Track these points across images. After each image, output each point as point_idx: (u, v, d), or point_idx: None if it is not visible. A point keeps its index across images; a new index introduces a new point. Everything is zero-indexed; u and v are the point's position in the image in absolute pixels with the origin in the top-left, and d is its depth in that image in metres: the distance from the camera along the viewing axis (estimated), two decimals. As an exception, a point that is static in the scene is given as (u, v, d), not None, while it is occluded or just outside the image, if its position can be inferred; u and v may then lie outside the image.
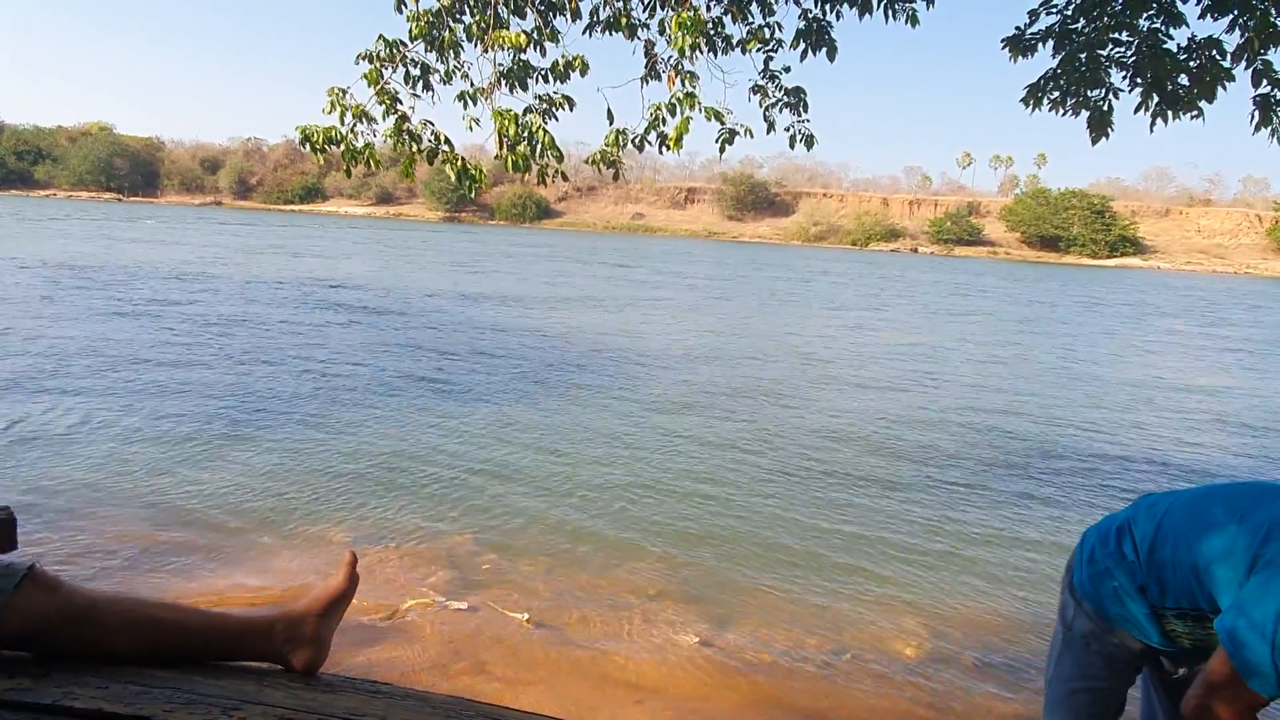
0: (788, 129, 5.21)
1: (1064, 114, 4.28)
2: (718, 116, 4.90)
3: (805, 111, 4.91)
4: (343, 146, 5.02)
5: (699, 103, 4.93)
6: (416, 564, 4.65)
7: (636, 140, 5.28)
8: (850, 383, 11.29)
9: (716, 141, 5.17)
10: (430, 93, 5.27)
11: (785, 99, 5.12)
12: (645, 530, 5.43)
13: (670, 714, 3.25)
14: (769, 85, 5.17)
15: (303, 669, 1.51)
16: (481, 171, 5.48)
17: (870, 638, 4.19)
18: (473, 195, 5.25)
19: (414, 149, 5.22)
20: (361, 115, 5.03)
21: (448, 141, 5.23)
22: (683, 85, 5.02)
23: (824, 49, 4.61)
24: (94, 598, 1.40)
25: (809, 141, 5.19)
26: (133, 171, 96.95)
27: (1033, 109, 4.34)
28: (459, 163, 5.25)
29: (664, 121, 5.17)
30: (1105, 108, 4.11)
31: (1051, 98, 4.26)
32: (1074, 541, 2.03)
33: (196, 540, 4.84)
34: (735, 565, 4.96)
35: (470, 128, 5.29)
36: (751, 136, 5.15)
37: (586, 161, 5.43)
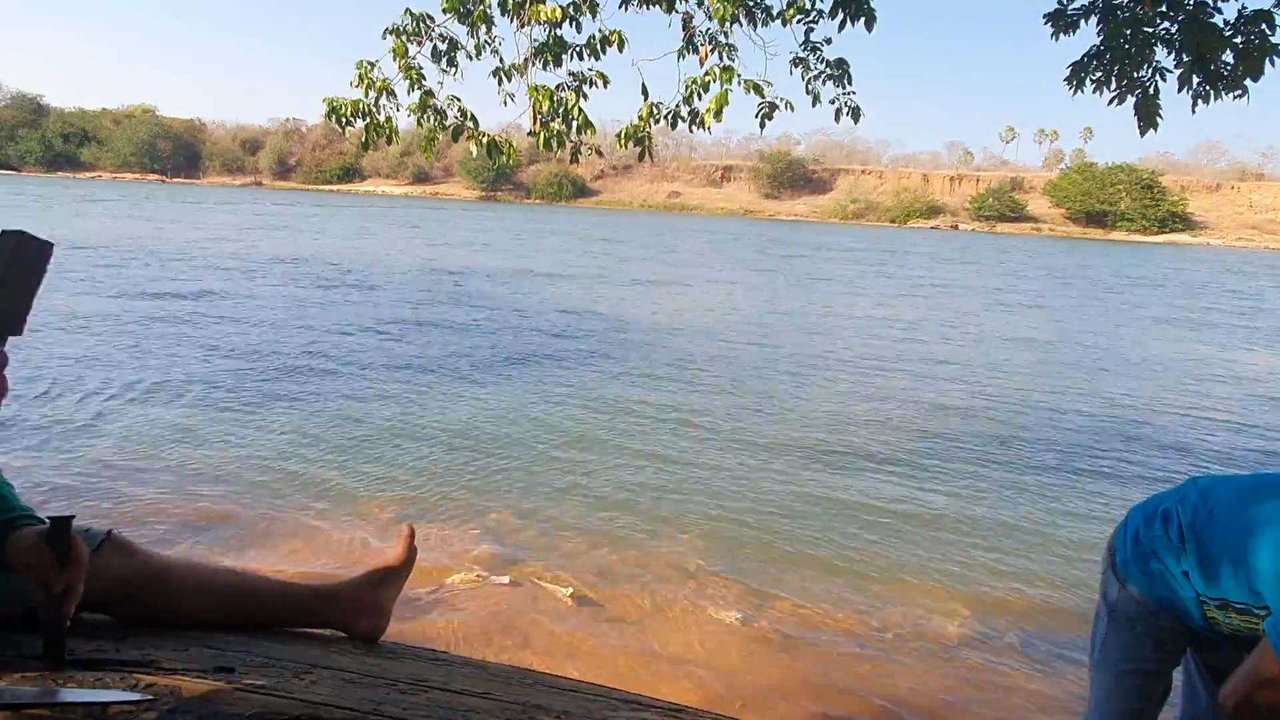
0: (832, 101, 5.10)
1: (1111, 101, 4.09)
2: (757, 90, 4.81)
3: (849, 84, 4.80)
4: (367, 120, 5.04)
5: (738, 76, 4.84)
6: (460, 539, 4.70)
7: (670, 116, 5.22)
8: (892, 364, 11.17)
9: (756, 116, 5.08)
10: (456, 69, 5.25)
11: (828, 71, 5.00)
12: (686, 507, 5.43)
13: (714, 688, 3.25)
14: (810, 57, 5.05)
15: (365, 636, 1.54)
16: (511, 145, 5.45)
17: (912, 617, 4.16)
18: (509, 161, 5.22)
19: (438, 125, 5.22)
20: (386, 90, 5.04)
21: (473, 118, 5.21)
22: (720, 58, 4.93)
23: (862, 18, 4.49)
24: (169, 563, 1.43)
25: (855, 114, 5.08)
26: (175, 153, 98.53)
27: (1075, 90, 4.15)
28: (484, 138, 5.24)
29: (699, 96, 5.10)
30: (1151, 90, 3.94)
31: (1095, 77, 4.07)
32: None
33: (243, 513, 4.94)
34: (776, 543, 4.95)
35: (505, 103, 5.23)
36: (793, 110, 5.06)
37: (618, 137, 5.37)
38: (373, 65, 5.05)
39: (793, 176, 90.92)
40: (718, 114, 4.96)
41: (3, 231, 1.11)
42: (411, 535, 1.64)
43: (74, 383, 7.71)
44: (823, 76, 4.98)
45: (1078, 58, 4.07)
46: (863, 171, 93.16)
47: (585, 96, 5.30)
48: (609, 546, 4.77)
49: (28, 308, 1.13)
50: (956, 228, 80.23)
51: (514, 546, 4.66)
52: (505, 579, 4.20)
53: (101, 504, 4.79)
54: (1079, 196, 77.37)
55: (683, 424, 7.43)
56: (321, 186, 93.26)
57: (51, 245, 1.15)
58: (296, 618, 1.53)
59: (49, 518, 1.25)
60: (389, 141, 5.30)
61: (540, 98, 5.00)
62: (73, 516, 1.24)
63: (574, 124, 5.25)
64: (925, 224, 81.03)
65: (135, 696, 1.10)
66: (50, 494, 4.89)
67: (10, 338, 1.12)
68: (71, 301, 12.43)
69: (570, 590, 4.10)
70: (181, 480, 5.40)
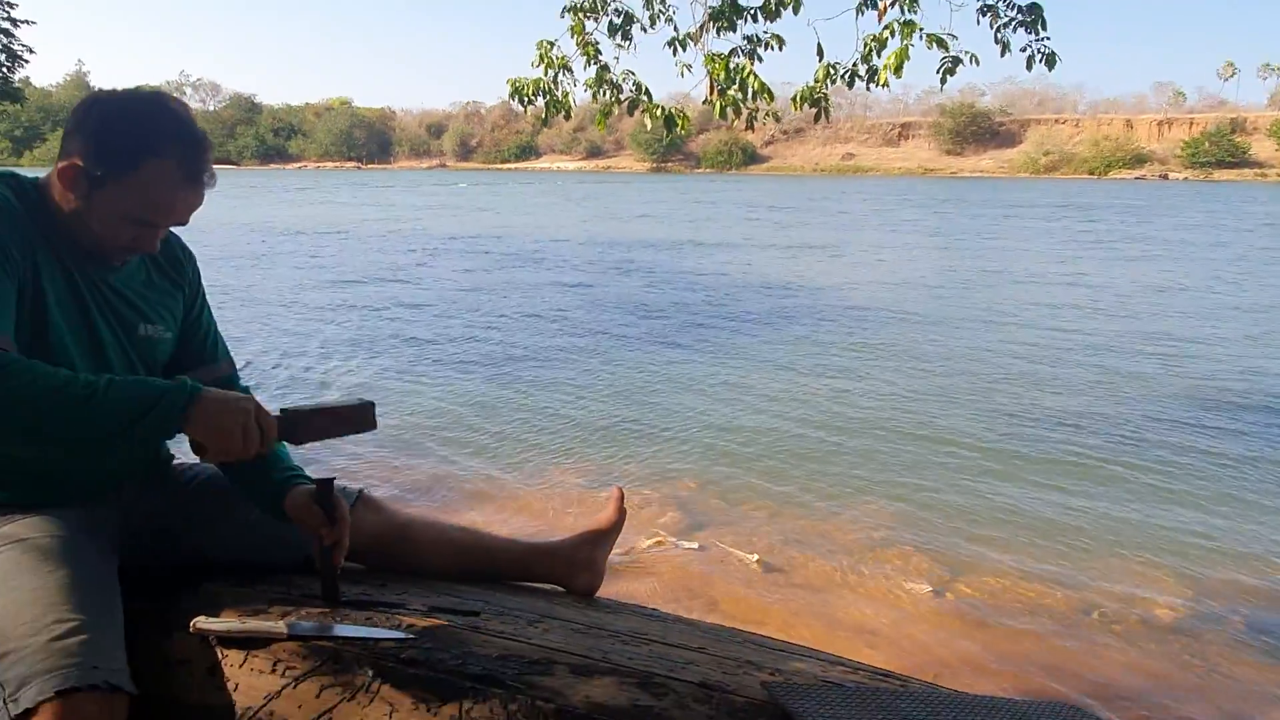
0: (1023, 49, 4.79)
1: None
2: (940, 43, 4.57)
3: (1043, 29, 4.49)
4: (548, 98, 5.21)
5: (919, 29, 4.64)
6: (647, 505, 4.85)
7: (846, 76, 5.08)
8: (1080, 326, 10.39)
9: (938, 72, 4.85)
10: (630, 42, 5.32)
11: (1019, 17, 4.69)
12: (870, 477, 5.33)
13: (903, 659, 3.22)
14: (999, 4, 4.75)
15: (582, 591, 1.67)
16: (686, 117, 5.48)
17: (1120, 596, 3.92)
18: (683, 132, 5.26)
19: (614, 99, 5.32)
20: (564, 67, 5.19)
21: (647, 91, 5.28)
22: (901, 12, 4.73)
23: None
24: (411, 519, 1.62)
25: (1050, 61, 4.76)
26: (369, 141, 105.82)
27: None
28: (659, 110, 5.30)
29: (877, 54, 4.92)
30: None
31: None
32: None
33: (445, 477, 5.31)
34: (967, 514, 4.78)
35: (682, 74, 5.26)
36: (978, 64, 4.80)
37: (792, 100, 5.27)
38: (552, 44, 5.22)
39: (977, 130, 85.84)
40: (897, 70, 4.77)
41: (360, 398, 1.37)
42: (622, 498, 1.74)
43: (295, 355, 8.53)
44: (1013, 23, 4.68)
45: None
46: (1057, 120, 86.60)
47: (760, 59, 5.23)
48: (793, 514, 4.77)
49: (317, 439, 1.34)
50: (1166, 177, 73.16)
51: (699, 513, 4.76)
52: (692, 544, 4.30)
53: (317, 469, 5.30)
54: (1315, 136, 68.52)
55: (858, 393, 7.27)
56: (500, 165, 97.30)
57: (375, 427, 1.38)
58: (520, 572, 1.68)
59: (315, 480, 1.43)
60: (566, 117, 5.48)
61: (717, 66, 5.00)
62: (334, 479, 1.42)
63: (750, 90, 5.20)
64: (1129, 174, 74.42)
65: (400, 635, 1.25)
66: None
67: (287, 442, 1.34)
68: (284, 281, 13.69)
69: (756, 557, 4.15)
70: (384, 446, 5.86)
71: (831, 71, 4.79)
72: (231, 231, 22.48)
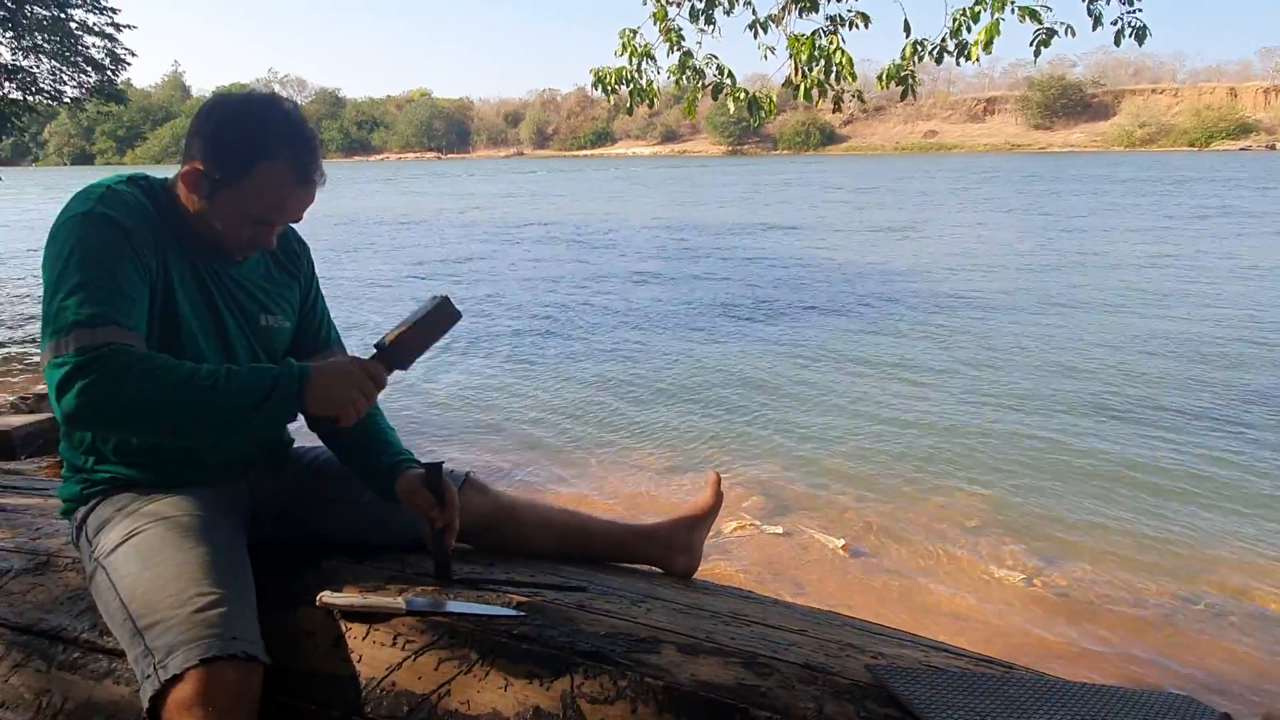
0: (1114, 23, 4.61)
1: None
2: (1033, 16, 4.43)
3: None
4: (631, 86, 5.22)
5: (1011, 2, 4.50)
6: (731, 489, 4.84)
7: (935, 52, 4.95)
8: (1176, 310, 9.91)
9: (1031, 44, 4.71)
10: (713, 26, 5.29)
11: (1113, -12, 4.50)
12: (958, 461, 5.23)
13: (998, 647, 3.16)
14: (1093, -26, 4.58)
15: (680, 573, 1.70)
16: (772, 100, 5.43)
17: (1229, 587, 3.76)
18: (768, 115, 5.21)
19: (698, 85, 5.30)
20: (646, 54, 5.19)
21: (730, 75, 5.23)
22: (993, -16, 4.59)
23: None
24: (515, 501, 1.67)
25: (1140, 35, 4.57)
26: (448, 131, 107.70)
27: None
28: (743, 94, 5.26)
29: (968, 28, 4.79)
30: None
31: None
32: None
33: (533, 461, 5.42)
34: (1063, 502, 4.64)
35: (765, 56, 5.21)
36: (1073, 35, 4.64)
37: (878, 79, 5.17)
38: (634, 32, 5.22)
39: (1068, 103, 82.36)
40: (987, 45, 4.65)
41: (432, 296, 1.38)
42: (719, 482, 1.76)
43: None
44: (1107, -6, 4.51)
45: None
46: (1154, 90, 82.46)
47: (842, 39, 5.14)
48: (880, 500, 4.71)
49: (421, 354, 1.38)
50: (1274, 147, 68.97)
51: (782, 497, 4.75)
52: (777, 528, 4.30)
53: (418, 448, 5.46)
54: None
55: (941, 378, 7.10)
56: (576, 152, 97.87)
57: (460, 315, 1.40)
58: (620, 553, 1.71)
59: (424, 464, 1.49)
60: (650, 105, 5.48)
61: (800, 47, 4.94)
62: (442, 463, 1.47)
63: (834, 71, 5.12)
64: (1233, 145, 70.38)
65: (512, 612, 1.30)
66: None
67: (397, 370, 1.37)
68: (369, 268, 14.09)
69: (842, 541, 4.12)
70: (469, 431, 6.01)
71: (919, 48, 4.68)
72: (316, 225, 23.24)
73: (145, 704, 1.15)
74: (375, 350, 1.37)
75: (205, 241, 1.43)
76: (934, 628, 3.39)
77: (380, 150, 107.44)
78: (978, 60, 4.73)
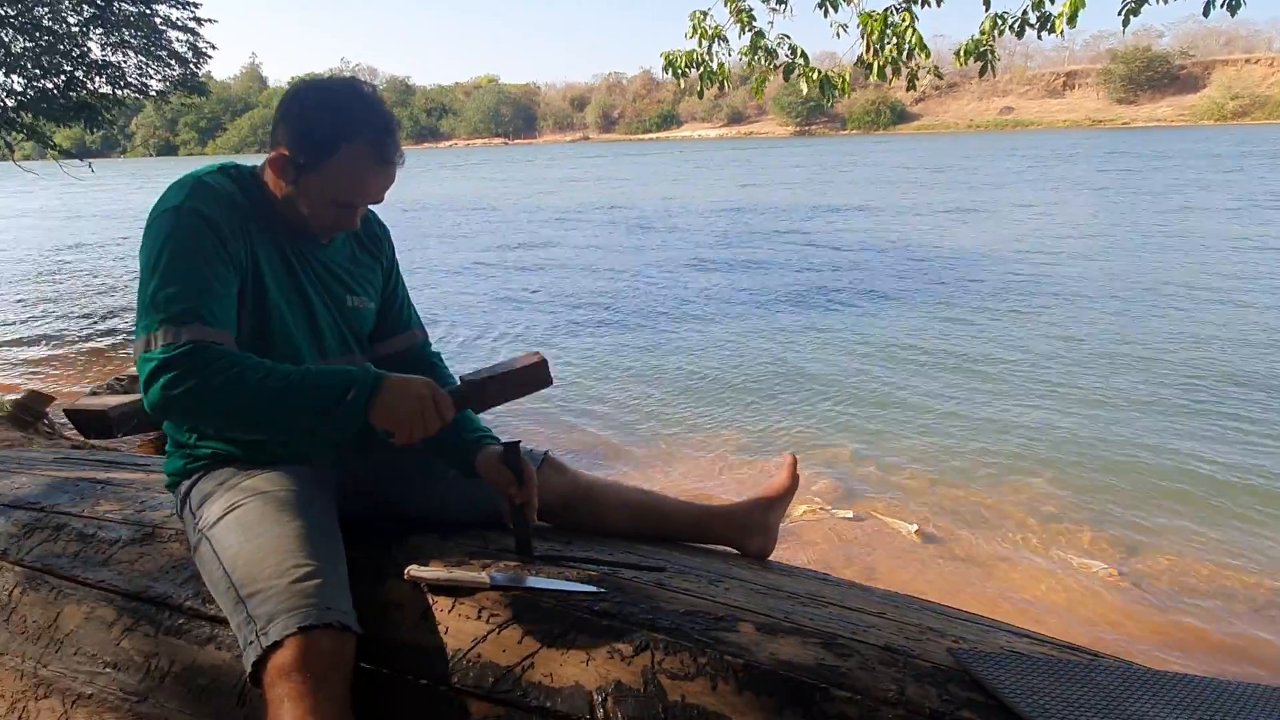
0: (1204, -7, 4.41)
1: None
2: (1122, -17, 4.27)
3: (1230, -34, 4.11)
4: (701, 69, 5.18)
5: (1097, -30, 4.33)
6: (800, 471, 4.80)
7: (1016, 25, 4.80)
8: (1267, 295, 9.45)
9: (1120, 14, 4.54)
10: (785, 6, 5.21)
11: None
12: (1035, 447, 5.10)
13: (1079, 636, 3.09)
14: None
15: (755, 554, 1.71)
16: (845, 79, 5.33)
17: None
18: (841, 94, 5.12)
19: (768, 65, 5.23)
20: (718, 36, 5.14)
21: (804, 55, 5.15)
22: (1078, -47, 4.43)
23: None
24: (592, 480, 1.69)
25: (1233, 5, 4.36)
26: (515, 117, 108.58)
27: None
28: (816, 74, 5.16)
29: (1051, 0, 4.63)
30: None
31: None
32: None
33: (605, 443, 5.47)
34: (1146, 491, 4.49)
35: (837, 34, 5.11)
36: (1165, 2, 4.45)
37: (955, 55, 5.03)
38: (704, 14, 5.18)
39: (1153, 75, 78.83)
40: (1071, 18, 4.48)
41: (532, 352, 1.44)
42: (795, 464, 1.76)
43: (461, 323, 8.96)
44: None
45: None
46: (1247, 61, 78.30)
47: (917, 17, 5.02)
48: (953, 485, 4.63)
49: (498, 404, 1.43)
50: (1380, 118, 65.04)
51: (854, 481, 4.70)
52: (847, 513, 4.27)
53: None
54: None
55: (1018, 363, 6.91)
56: (642, 136, 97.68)
57: (550, 381, 1.45)
58: (695, 534, 1.72)
59: (503, 443, 1.52)
60: (721, 88, 5.44)
61: (873, 25, 4.83)
62: (520, 442, 1.50)
63: (907, 48, 5.00)
64: (1334, 117, 66.61)
65: (592, 588, 1.32)
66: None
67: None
68: (442, 254, 14.33)
69: (915, 527, 4.07)
70: (538, 413, 6.07)
71: (999, 22, 4.54)
72: (386, 212, 23.47)
73: (248, 668, 1.21)
74: (459, 383, 1.41)
75: (293, 225, 1.48)
76: (1010, 616, 3.32)
77: (448, 137, 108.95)
78: (1061, 33, 4.57)
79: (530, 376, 1.42)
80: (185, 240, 1.34)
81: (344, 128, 1.39)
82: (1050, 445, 5.16)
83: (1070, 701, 1.11)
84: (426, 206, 24.62)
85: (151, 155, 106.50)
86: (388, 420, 1.32)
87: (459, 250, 15.27)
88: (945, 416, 5.71)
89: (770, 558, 1.76)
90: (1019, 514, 4.28)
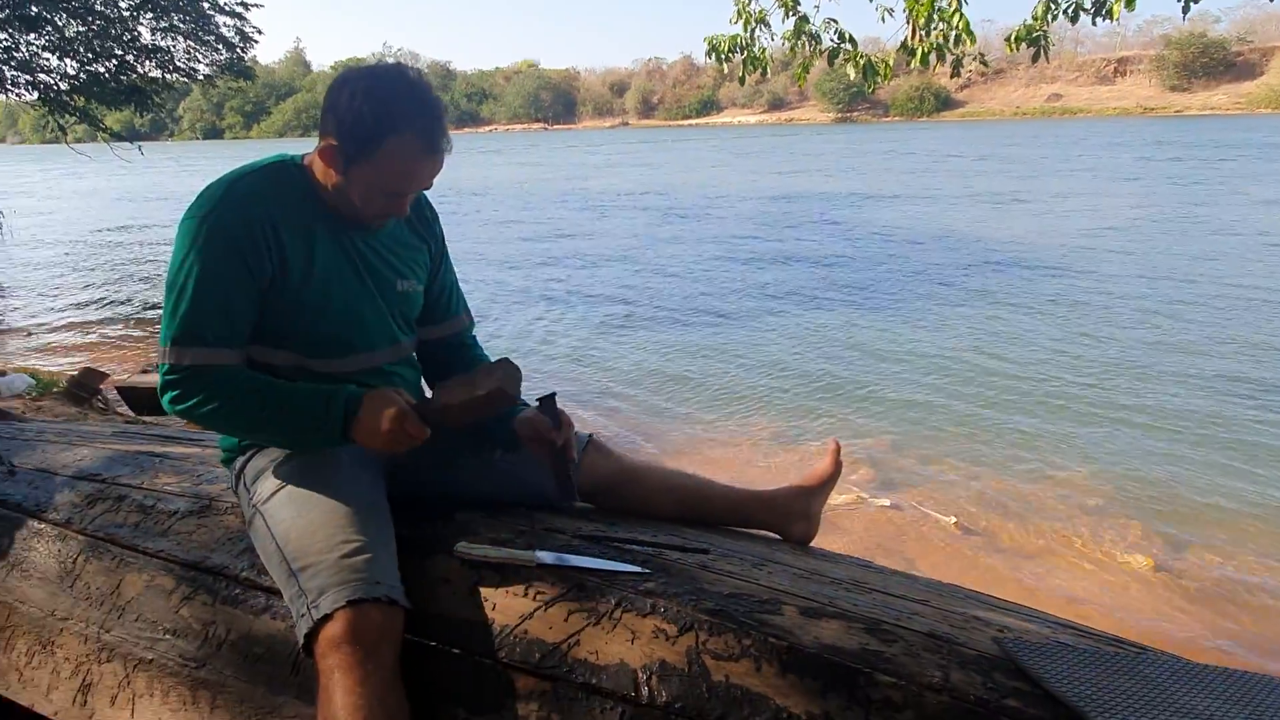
0: (1268, -26, 4.27)
1: None
2: (1182, -33, 4.16)
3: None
4: (745, 54, 5.14)
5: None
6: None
7: (1071, 10, 4.70)
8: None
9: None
10: (830, -12, 5.15)
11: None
12: (1079, 443, 5.02)
13: (1122, 630, 3.05)
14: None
15: (797, 540, 1.71)
16: (888, 65, 5.26)
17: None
18: (884, 80, 5.06)
19: (812, 50, 5.17)
20: (761, 21, 5.09)
21: (850, 39, 5.09)
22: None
23: None
24: (636, 464, 1.71)
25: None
26: (555, 102, 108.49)
27: None
28: (861, 59, 5.10)
29: (1107, -17, 4.52)
30: None
31: None
32: None
33: (644, 428, 5.49)
34: (1195, 487, 4.40)
35: (883, 18, 5.05)
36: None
37: (1006, 40, 4.94)
38: (749, -1, 5.13)
39: (1208, 62, 76.45)
40: (1130, 2, 4.38)
41: (502, 360, 1.45)
42: (838, 450, 1.75)
43: (505, 311, 9.04)
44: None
45: None
46: (1309, 46, 75.68)
47: (965, 1, 4.93)
48: (994, 477, 4.59)
49: (467, 422, 1.45)
50: None
51: (892, 470, 4.67)
52: (885, 501, 4.25)
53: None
54: None
55: (1060, 354, 6.80)
56: (681, 121, 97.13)
57: (517, 400, 1.49)
58: (738, 519, 1.73)
59: (538, 398, 1.55)
60: (763, 73, 5.40)
61: (920, 9, 4.76)
62: (554, 393, 1.53)
63: (954, 33, 4.92)
64: (1400, 105, 64.22)
65: (638, 568, 1.34)
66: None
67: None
68: (478, 241, 14.43)
69: (954, 519, 4.04)
70: (578, 398, 6.11)
71: (1053, 6, 4.44)
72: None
73: (300, 639, 1.25)
74: (428, 401, 1.45)
75: (344, 213, 1.50)
76: (1052, 609, 3.28)
77: (489, 122, 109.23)
78: (1117, 18, 4.47)
79: (495, 400, 1.41)
80: (204, 256, 1.39)
81: (393, 118, 1.39)
82: (1093, 438, 5.08)
83: (1118, 693, 1.10)
84: (468, 192, 24.75)
85: (198, 138, 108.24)
86: (367, 440, 1.39)
87: (494, 238, 15.36)
88: (984, 408, 5.65)
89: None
90: (1061, 507, 4.23)
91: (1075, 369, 6.42)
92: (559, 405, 1.54)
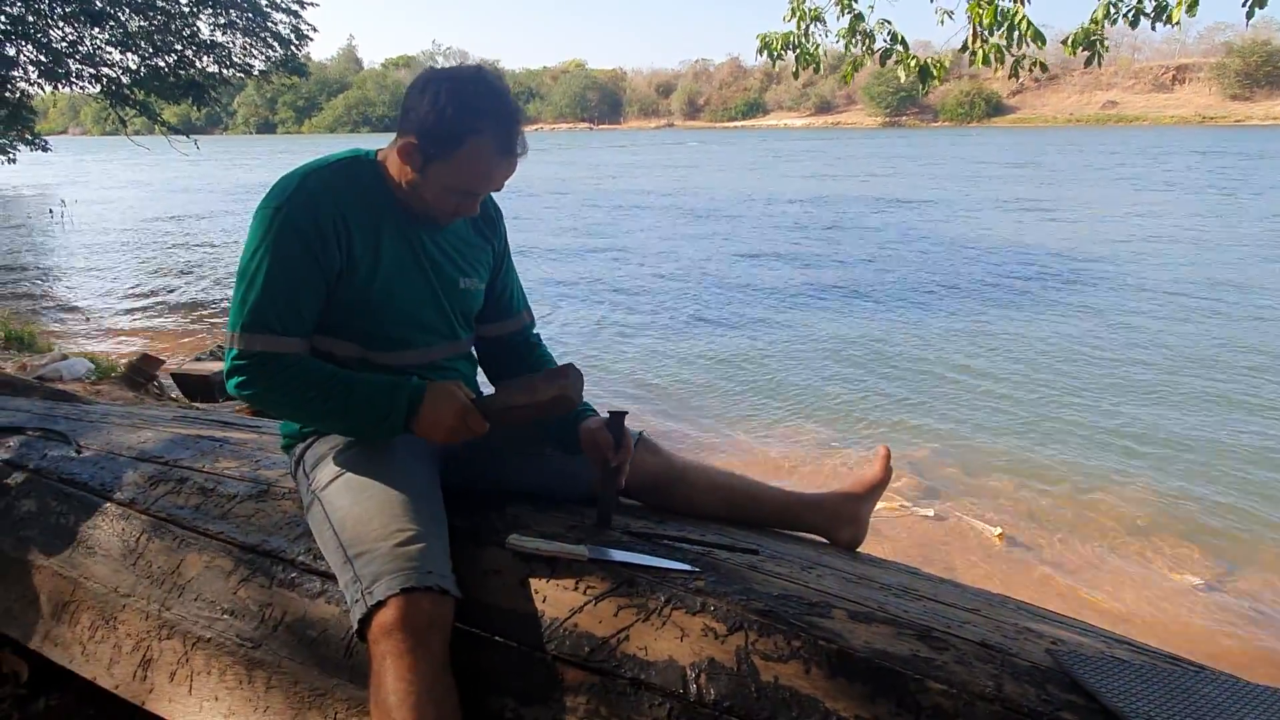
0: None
1: None
2: (1248, -30, 4.05)
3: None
4: (798, 51, 5.12)
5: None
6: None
7: (1130, 14, 4.61)
8: None
9: (1244, 4, 4.30)
10: (886, -12, 5.11)
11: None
12: (1128, 455, 4.92)
13: (1171, 648, 2.99)
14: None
15: (845, 544, 1.70)
16: (943, 67, 5.20)
17: None
18: (938, 83, 5.00)
19: (866, 50, 5.13)
20: (816, 18, 5.07)
21: (903, 41, 5.04)
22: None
23: None
24: (686, 463, 1.72)
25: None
26: (601, 102, 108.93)
27: None
28: (914, 61, 5.05)
29: (1170, -14, 4.42)
30: None
31: None
32: None
33: (685, 431, 5.49)
34: (1248, 507, 4.29)
35: (941, 21, 4.99)
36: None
37: (1063, 43, 4.86)
38: (805, -5, 5.11)
39: (1272, 71, 74.29)
40: (1191, 7, 4.28)
41: (568, 366, 1.48)
42: (888, 456, 1.74)
43: (555, 310, 9.09)
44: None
45: None
46: (1377, 56, 73.20)
47: (1028, 3, 4.86)
48: (1041, 490, 4.51)
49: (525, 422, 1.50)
50: None
51: (936, 480, 4.62)
52: (929, 511, 4.20)
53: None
54: None
55: (1107, 365, 6.67)
56: (727, 124, 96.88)
57: (575, 405, 1.51)
58: (787, 521, 1.73)
59: (608, 411, 1.55)
60: (816, 70, 5.37)
61: (982, 11, 4.70)
62: (626, 412, 1.53)
63: (1017, 35, 4.84)
64: None
65: (688, 567, 1.34)
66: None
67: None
68: (524, 238, 14.54)
69: (999, 530, 3.98)
70: (623, 398, 6.13)
71: (1112, 9, 4.36)
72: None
73: (355, 624, 1.27)
74: (490, 399, 1.48)
75: (414, 210, 1.53)
76: (1098, 624, 3.23)
77: (535, 120, 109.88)
78: (1177, 22, 4.37)
79: (556, 404, 1.45)
80: (276, 246, 1.43)
81: (473, 120, 1.42)
82: (1142, 452, 4.98)
83: (1176, 712, 1.08)
84: (514, 191, 24.91)
85: (251, 133, 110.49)
86: (429, 432, 1.43)
87: (537, 234, 15.45)
88: (1031, 419, 5.56)
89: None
90: (1109, 523, 4.15)
91: (1123, 383, 6.30)
92: (627, 426, 1.55)
